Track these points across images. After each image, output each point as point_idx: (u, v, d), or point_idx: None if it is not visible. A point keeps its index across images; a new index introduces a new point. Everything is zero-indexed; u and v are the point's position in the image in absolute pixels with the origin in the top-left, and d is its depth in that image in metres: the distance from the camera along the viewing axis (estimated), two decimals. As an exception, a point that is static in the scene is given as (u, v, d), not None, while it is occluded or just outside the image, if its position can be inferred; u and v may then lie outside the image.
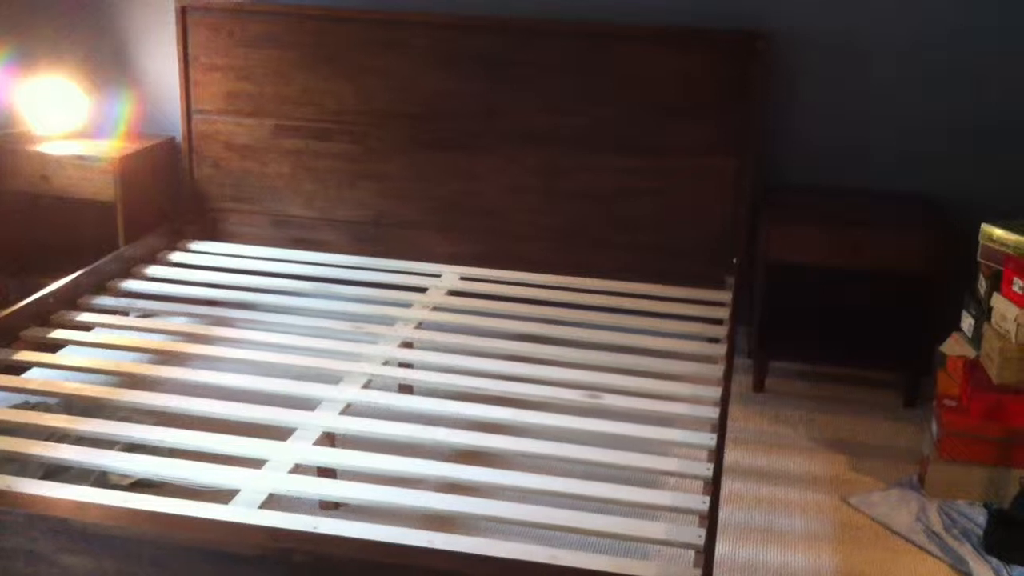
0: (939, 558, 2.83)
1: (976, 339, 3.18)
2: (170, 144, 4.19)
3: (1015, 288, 2.99)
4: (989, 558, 2.77)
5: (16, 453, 2.54)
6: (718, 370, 3.04)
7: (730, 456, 3.18)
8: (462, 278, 3.75)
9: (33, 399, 3.16)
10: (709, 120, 3.72)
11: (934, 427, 3.09)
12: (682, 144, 3.76)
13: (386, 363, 3.11)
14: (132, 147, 4.04)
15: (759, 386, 3.71)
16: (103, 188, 3.91)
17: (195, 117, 4.06)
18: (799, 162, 3.87)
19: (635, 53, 3.73)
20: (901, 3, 3.65)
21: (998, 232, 3.17)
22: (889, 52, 3.71)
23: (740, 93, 3.67)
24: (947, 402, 3.10)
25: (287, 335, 3.26)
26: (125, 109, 4.26)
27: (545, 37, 3.77)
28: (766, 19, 3.71)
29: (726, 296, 3.58)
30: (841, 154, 3.83)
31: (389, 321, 3.40)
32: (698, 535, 2.28)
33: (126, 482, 2.78)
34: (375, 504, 2.44)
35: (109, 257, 3.64)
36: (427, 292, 3.62)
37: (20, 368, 3.05)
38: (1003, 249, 3.14)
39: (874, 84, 3.74)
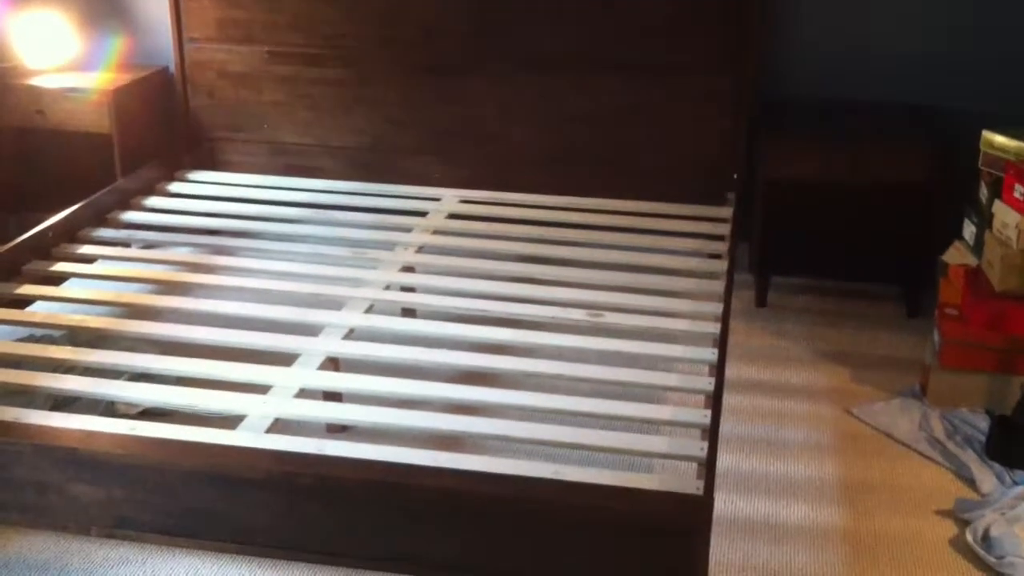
0: (941, 464, 2.85)
1: (978, 247, 3.17)
2: (163, 74, 4.15)
3: (1016, 194, 2.97)
4: (991, 463, 2.79)
5: (23, 386, 2.56)
6: (719, 286, 3.04)
7: (732, 371, 3.20)
8: (461, 201, 3.74)
9: (38, 332, 3.17)
10: (706, 37, 3.67)
11: (936, 336, 3.10)
12: (679, 62, 3.71)
13: (388, 288, 3.12)
14: (125, 78, 4.00)
15: (761, 301, 3.71)
16: (98, 120, 3.88)
17: (187, 46, 4.01)
18: (798, 76, 3.82)
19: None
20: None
21: (999, 139, 3.14)
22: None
23: (736, 9, 3.61)
24: (949, 311, 3.10)
25: (288, 262, 3.27)
26: (116, 40, 4.22)
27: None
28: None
29: (727, 212, 3.57)
30: (840, 67, 3.78)
31: (389, 246, 3.40)
32: (700, 448, 2.30)
33: (133, 411, 2.80)
34: (381, 426, 2.46)
35: (107, 189, 3.63)
36: (427, 216, 3.62)
37: (24, 302, 3.06)
38: (1004, 156, 3.11)
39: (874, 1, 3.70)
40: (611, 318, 2.90)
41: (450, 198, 3.75)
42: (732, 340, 3.05)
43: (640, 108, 3.77)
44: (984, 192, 3.17)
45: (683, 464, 2.60)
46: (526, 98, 3.84)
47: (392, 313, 3.15)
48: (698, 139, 3.76)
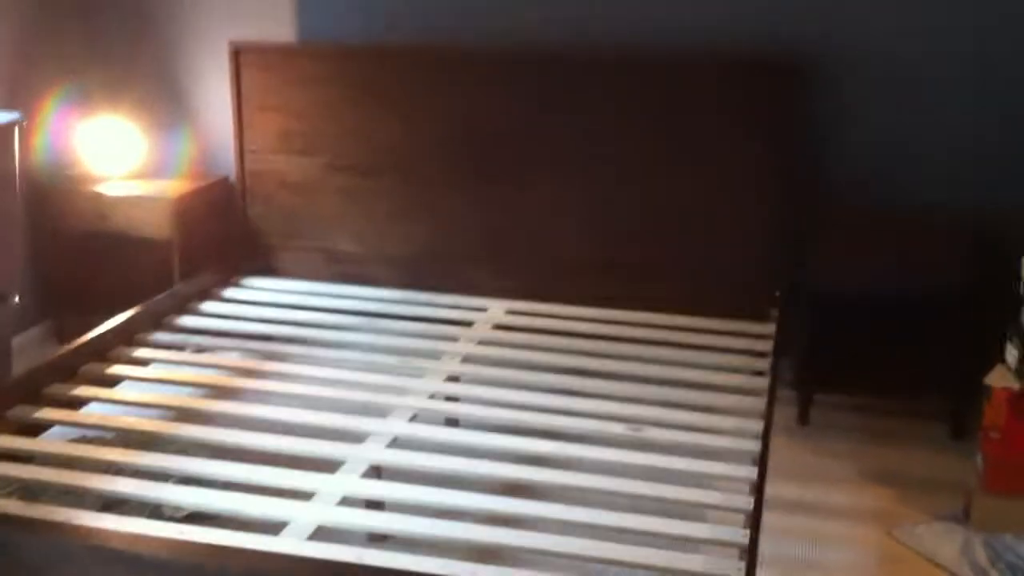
0: (985, 591, 2.82)
1: (1020, 370, 3.16)
2: (224, 183, 4.29)
3: (1059, 320, 2.98)
4: (1036, 592, 2.76)
5: (74, 486, 2.63)
6: (761, 403, 3.05)
7: (773, 489, 3.18)
8: (508, 312, 3.80)
9: (91, 433, 3.24)
10: (755, 146, 3.74)
11: (979, 459, 3.08)
12: (729, 173, 3.78)
13: (432, 397, 3.17)
14: (188, 186, 4.15)
15: (803, 418, 3.71)
16: (160, 227, 4.02)
17: (248, 156, 4.15)
18: (845, 187, 3.85)
19: (681, 80, 3.77)
20: (948, 23, 3.67)
21: (1041, 263, 3.16)
22: (937, 72, 3.72)
23: (785, 119, 3.69)
24: (992, 434, 3.09)
25: (336, 369, 3.33)
26: (181, 149, 4.38)
27: (588, 69, 3.83)
28: (813, 40, 3.73)
29: (770, 329, 3.60)
30: (888, 178, 3.82)
31: (436, 355, 3.45)
32: (738, 568, 2.30)
33: (180, 514, 2.85)
34: (421, 536, 2.49)
35: (165, 294, 3.74)
36: (473, 326, 3.68)
37: (79, 403, 3.14)
38: (1046, 281, 3.13)
39: (920, 106, 3.75)
40: (652, 433, 2.92)
41: (496, 308, 3.82)
42: (773, 458, 3.05)
43: (691, 219, 3.84)
44: (1026, 316, 3.17)
45: (721, 583, 2.58)
46: (576, 209, 3.92)
47: (436, 422, 3.20)
48: (744, 252, 3.80)
